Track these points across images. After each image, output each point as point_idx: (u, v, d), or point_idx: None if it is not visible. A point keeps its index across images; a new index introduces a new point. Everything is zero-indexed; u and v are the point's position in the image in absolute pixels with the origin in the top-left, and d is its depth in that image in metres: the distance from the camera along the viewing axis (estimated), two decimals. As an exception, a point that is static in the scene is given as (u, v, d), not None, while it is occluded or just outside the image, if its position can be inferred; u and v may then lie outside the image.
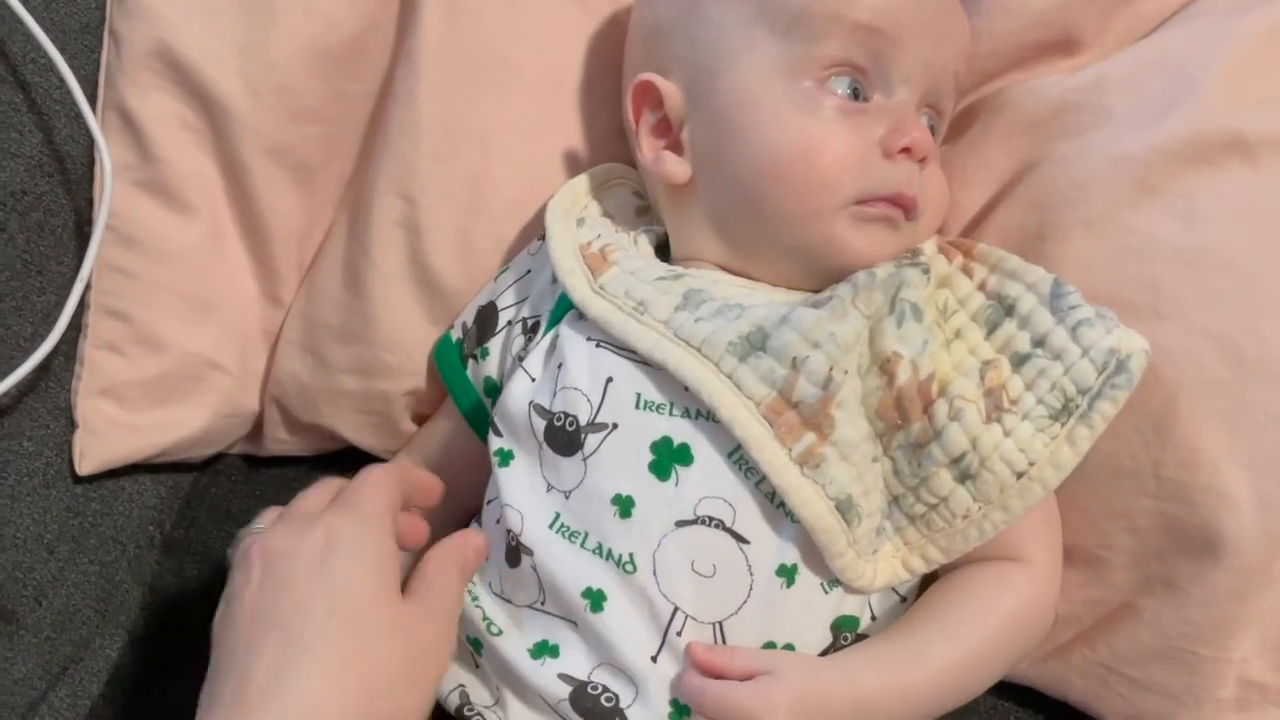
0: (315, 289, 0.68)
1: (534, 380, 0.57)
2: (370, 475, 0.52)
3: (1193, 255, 0.55)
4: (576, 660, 0.54)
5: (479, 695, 0.57)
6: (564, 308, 0.58)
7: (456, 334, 0.64)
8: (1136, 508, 0.55)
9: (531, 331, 0.60)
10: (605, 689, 0.53)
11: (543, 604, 0.55)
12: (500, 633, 0.56)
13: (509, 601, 0.57)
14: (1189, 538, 0.55)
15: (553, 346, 0.57)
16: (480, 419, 0.62)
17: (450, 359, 0.64)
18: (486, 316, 0.63)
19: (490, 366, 0.62)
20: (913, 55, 0.55)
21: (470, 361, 0.63)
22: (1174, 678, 0.57)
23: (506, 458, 0.57)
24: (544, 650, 0.55)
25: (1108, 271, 0.56)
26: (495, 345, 0.62)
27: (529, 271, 0.62)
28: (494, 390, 0.61)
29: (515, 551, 0.56)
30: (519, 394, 0.57)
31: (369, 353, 0.66)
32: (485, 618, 0.57)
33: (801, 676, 0.51)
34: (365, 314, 0.66)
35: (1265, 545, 0.53)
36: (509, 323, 0.62)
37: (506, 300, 0.62)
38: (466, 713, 0.56)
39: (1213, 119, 0.56)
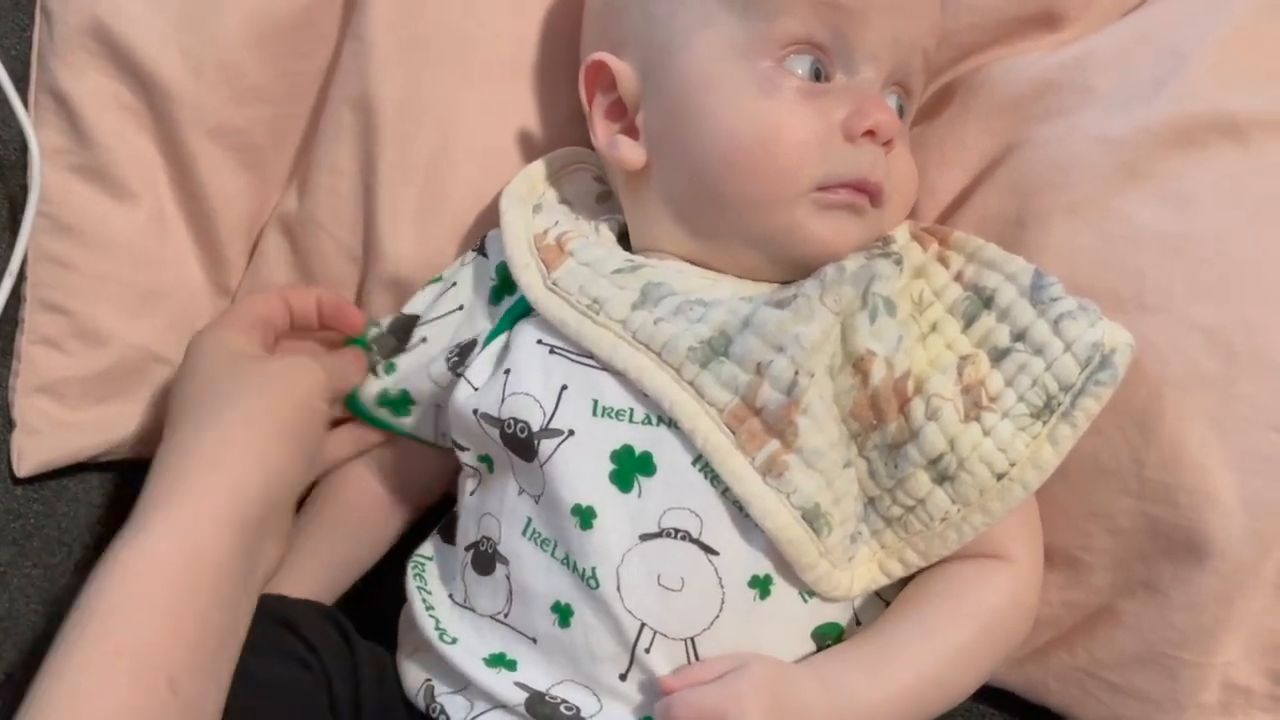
0: (263, 275, 0.65)
1: (476, 389, 0.54)
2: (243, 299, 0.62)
3: (1180, 243, 0.53)
4: (534, 675, 0.52)
5: (445, 683, 0.55)
6: (514, 315, 0.56)
7: (370, 335, 0.62)
8: (1118, 508, 0.53)
9: (460, 354, 0.57)
10: (565, 701, 0.51)
11: (506, 616, 0.53)
12: (454, 641, 0.54)
13: (471, 610, 0.55)
14: (1172, 540, 0.53)
15: (502, 353, 0.55)
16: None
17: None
18: (405, 328, 0.61)
19: (391, 381, 0.60)
20: (878, 31, 0.52)
21: (369, 374, 0.61)
22: (1155, 683, 0.55)
23: (491, 464, 0.55)
24: (500, 661, 0.53)
25: (1091, 260, 0.54)
26: (405, 362, 0.60)
27: (456, 284, 0.60)
28: (387, 402, 0.60)
29: (490, 559, 0.54)
30: (461, 403, 0.54)
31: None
32: (439, 627, 0.55)
33: (771, 672, 0.49)
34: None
35: (1252, 547, 0.51)
36: (423, 340, 0.60)
37: (431, 314, 0.60)
38: (433, 711, 0.54)
39: (1202, 99, 0.54)
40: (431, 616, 0.55)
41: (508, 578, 0.53)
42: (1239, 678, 0.55)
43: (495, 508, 0.54)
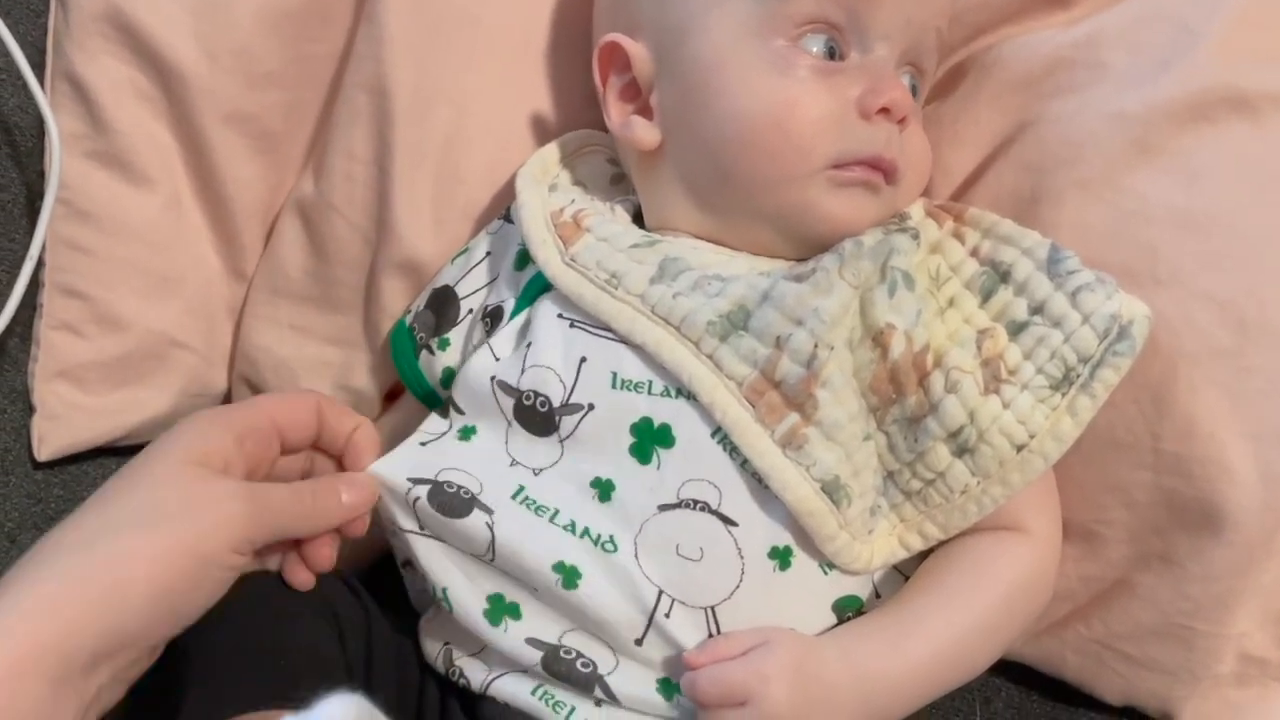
0: (279, 259, 0.65)
1: (498, 360, 0.54)
2: (277, 395, 0.58)
3: (1192, 218, 0.53)
4: (542, 622, 0.52)
5: (463, 646, 0.54)
6: (535, 289, 0.56)
7: (410, 319, 0.62)
8: (1134, 481, 0.54)
9: (492, 318, 0.57)
10: (579, 654, 0.51)
11: (492, 560, 0.52)
12: (450, 608, 0.53)
13: (458, 549, 0.53)
14: (1188, 512, 0.53)
15: (525, 327, 0.55)
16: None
17: (403, 347, 0.61)
18: (445, 302, 0.60)
19: (452, 357, 0.59)
20: (891, 10, 0.52)
21: (424, 352, 0.60)
22: (1171, 654, 0.56)
23: (469, 433, 0.55)
24: (502, 609, 0.52)
25: (1104, 236, 0.54)
26: (457, 336, 0.59)
27: (489, 253, 0.60)
28: (452, 381, 0.59)
29: (467, 504, 0.52)
30: (479, 369, 0.54)
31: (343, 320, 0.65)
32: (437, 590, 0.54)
33: (795, 647, 0.49)
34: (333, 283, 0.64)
35: (1267, 518, 0.52)
36: (471, 311, 0.59)
37: (468, 286, 0.60)
38: (452, 674, 0.54)
39: (1214, 75, 0.54)
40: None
41: (489, 526, 0.51)
42: (1254, 648, 0.56)
43: (472, 468, 0.53)
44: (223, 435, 0.49)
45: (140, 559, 0.43)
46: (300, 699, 0.41)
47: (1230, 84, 0.54)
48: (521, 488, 0.52)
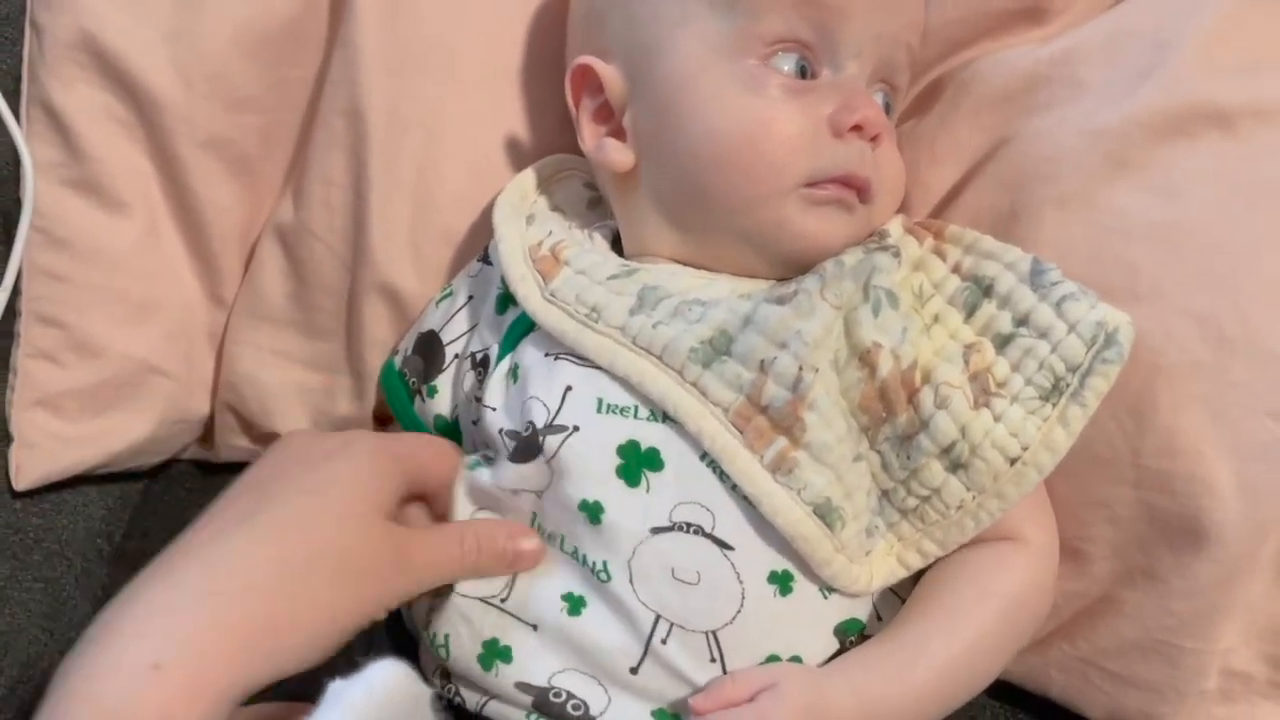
0: (259, 285, 0.65)
1: (494, 410, 0.54)
2: (426, 438, 0.55)
3: (1171, 233, 0.53)
4: (532, 665, 0.51)
5: (462, 667, 0.54)
6: (517, 332, 0.56)
7: (399, 362, 0.62)
8: (1116, 498, 0.54)
9: (481, 366, 0.57)
10: (570, 695, 0.51)
11: (504, 601, 0.53)
12: (448, 655, 0.54)
13: (466, 595, 0.53)
14: (1171, 527, 0.53)
15: (511, 371, 0.55)
16: None
17: (397, 392, 0.62)
18: (431, 347, 0.60)
19: (441, 404, 0.59)
20: (861, 27, 0.52)
21: (416, 399, 0.60)
22: (1156, 671, 0.55)
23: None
24: (494, 654, 0.52)
25: (1083, 252, 0.54)
26: (444, 383, 0.59)
27: (471, 297, 0.60)
28: (445, 428, 0.59)
29: None
30: (489, 426, 0.54)
31: (324, 346, 0.65)
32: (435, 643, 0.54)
33: (804, 688, 0.49)
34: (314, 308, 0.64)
35: (1250, 533, 0.52)
36: (456, 356, 0.59)
37: (451, 332, 0.60)
38: (448, 693, 0.54)
39: (1190, 88, 0.54)
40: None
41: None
42: (1239, 664, 0.55)
43: (494, 506, 0.54)
44: (399, 479, 0.49)
45: (326, 613, 0.44)
46: (295, 691, 0.42)
47: (1206, 98, 0.54)
48: (534, 515, 0.53)
